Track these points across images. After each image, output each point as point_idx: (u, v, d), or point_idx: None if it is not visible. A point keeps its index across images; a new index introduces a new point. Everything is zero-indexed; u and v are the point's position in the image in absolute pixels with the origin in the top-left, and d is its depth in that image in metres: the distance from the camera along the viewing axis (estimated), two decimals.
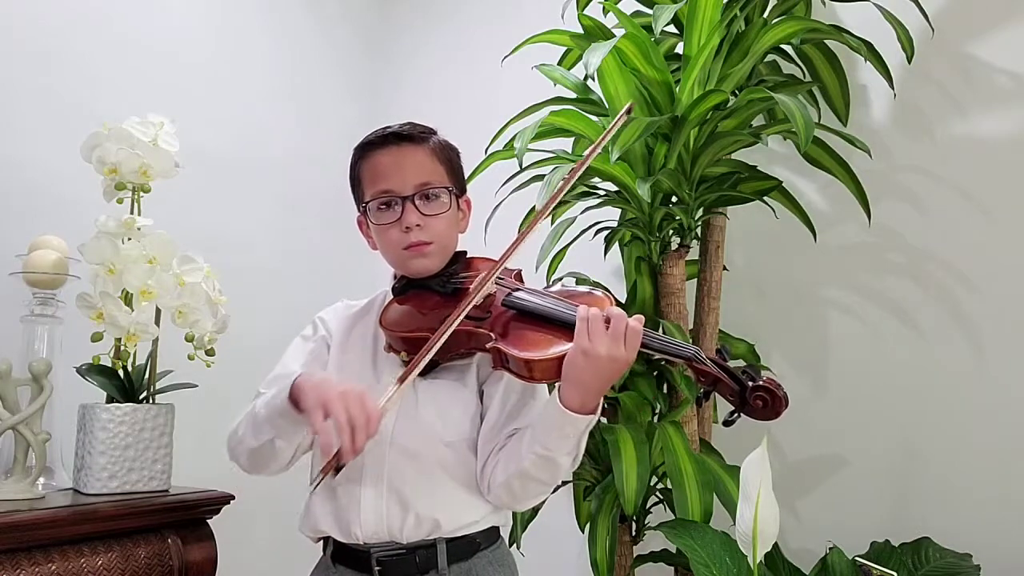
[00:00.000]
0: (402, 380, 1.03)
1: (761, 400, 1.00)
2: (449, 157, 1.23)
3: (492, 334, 1.09)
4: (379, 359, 1.21)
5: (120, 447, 1.42)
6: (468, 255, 1.26)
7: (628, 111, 1.21)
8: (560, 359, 1.04)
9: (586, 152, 1.20)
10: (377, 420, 0.98)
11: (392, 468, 1.13)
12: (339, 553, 1.17)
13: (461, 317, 1.08)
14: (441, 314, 1.12)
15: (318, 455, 1.20)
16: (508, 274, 1.19)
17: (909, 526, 1.61)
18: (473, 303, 1.10)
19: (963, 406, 1.63)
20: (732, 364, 1.04)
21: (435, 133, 1.23)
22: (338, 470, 0.97)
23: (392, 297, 1.23)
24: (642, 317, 1.03)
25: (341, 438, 0.95)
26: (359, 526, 1.12)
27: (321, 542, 1.22)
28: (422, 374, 1.14)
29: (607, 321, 1.01)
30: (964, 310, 1.66)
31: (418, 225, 1.16)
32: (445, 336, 1.07)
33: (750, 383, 1.01)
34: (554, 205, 1.20)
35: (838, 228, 1.79)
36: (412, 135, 1.20)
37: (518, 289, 1.15)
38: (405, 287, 1.22)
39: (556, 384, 1.06)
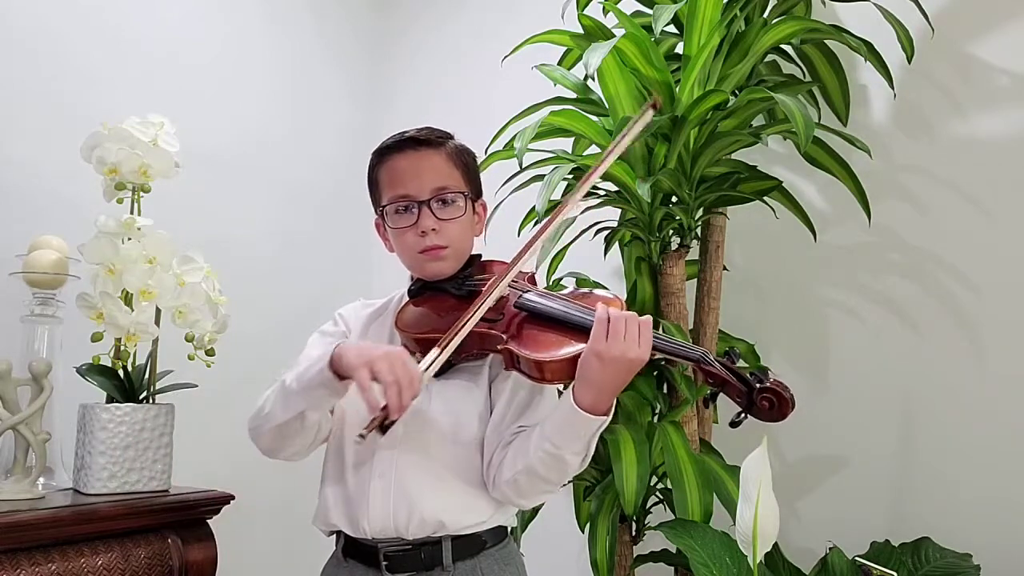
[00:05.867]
0: (443, 347, 1.05)
1: (768, 401, 1.00)
2: (465, 161, 1.25)
3: (504, 335, 1.10)
4: None
5: (120, 447, 1.42)
6: (483, 258, 1.28)
7: (654, 106, 1.21)
8: (571, 360, 1.05)
9: (616, 140, 1.21)
10: (420, 380, 1.01)
11: (401, 467, 1.14)
12: (349, 547, 1.19)
13: (487, 305, 1.10)
14: (456, 316, 1.14)
15: (331, 449, 1.22)
16: (521, 277, 1.20)
17: (909, 526, 1.61)
18: (501, 289, 1.12)
19: (963, 406, 1.63)
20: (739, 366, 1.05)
21: (452, 137, 1.25)
22: (383, 428, 0.99)
23: (408, 299, 1.25)
24: (650, 318, 1.04)
25: (388, 395, 0.97)
26: (367, 521, 1.14)
27: (333, 537, 1.24)
28: (435, 375, 1.16)
29: (624, 322, 1.02)
30: (964, 310, 1.66)
31: (434, 229, 1.19)
32: (479, 315, 1.08)
33: (757, 384, 1.01)
34: (581, 195, 1.22)
35: (838, 228, 1.79)
36: (429, 140, 1.22)
37: (530, 291, 1.16)
38: (420, 289, 1.24)
39: (570, 383, 1.07)
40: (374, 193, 1.26)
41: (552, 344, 1.07)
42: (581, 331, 1.06)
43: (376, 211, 1.26)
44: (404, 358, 1.01)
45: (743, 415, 1.03)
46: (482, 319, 1.11)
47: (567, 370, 1.06)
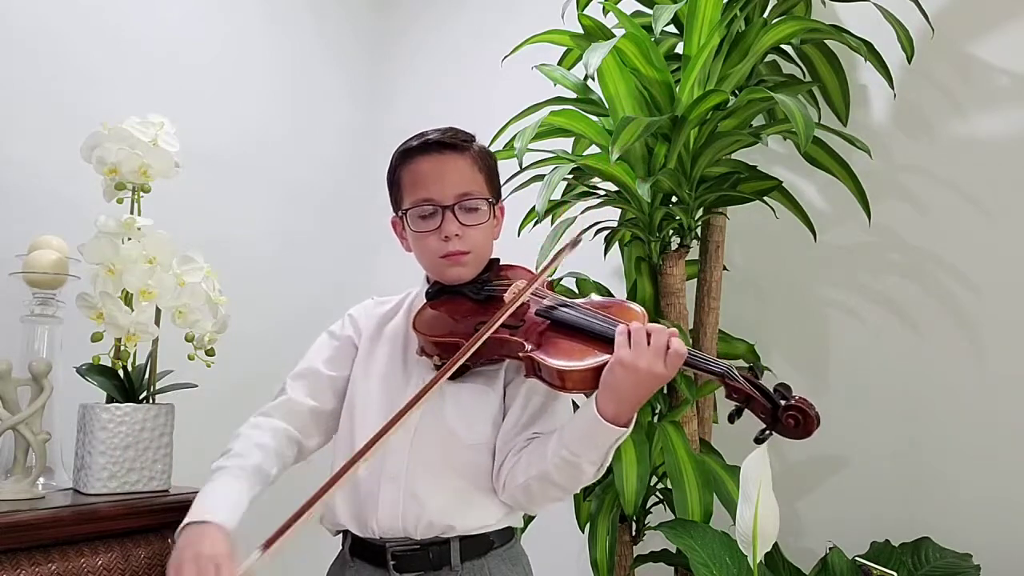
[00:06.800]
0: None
1: (793, 419, 0.99)
2: (488, 165, 1.24)
3: (525, 343, 1.09)
4: (410, 361, 1.23)
5: (120, 447, 1.42)
6: (500, 262, 1.27)
7: (574, 244, 1.18)
8: (594, 370, 1.04)
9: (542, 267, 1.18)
10: None
11: (412, 468, 1.14)
12: (356, 547, 1.19)
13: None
14: (474, 320, 1.13)
15: (340, 448, 1.22)
16: (541, 284, 1.19)
17: (909, 526, 1.60)
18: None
19: (963, 406, 1.63)
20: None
21: (474, 140, 1.24)
22: None
23: (425, 301, 1.24)
24: (684, 346, 1.02)
25: None
26: (376, 521, 1.14)
27: (339, 536, 1.24)
28: (451, 377, 1.11)
29: (648, 335, 1.00)
30: (964, 310, 1.66)
31: (457, 235, 1.18)
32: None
33: (782, 401, 0.99)
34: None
35: (838, 228, 1.79)
36: (454, 143, 1.20)
37: (552, 298, 1.15)
38: (438, 292, 1.23)
39: (592, 392, 1.05)
40: (394, 193, 1.25)
41: (575, 353, 1.06)
42: (604, 341, 1.05)
43: (396, 212, 1.25)
44: (218, 569, 0.95)
45: (768, 432, 1.00)
46: (503, 325, 1.10)
47: (589, 380, 1.05)
